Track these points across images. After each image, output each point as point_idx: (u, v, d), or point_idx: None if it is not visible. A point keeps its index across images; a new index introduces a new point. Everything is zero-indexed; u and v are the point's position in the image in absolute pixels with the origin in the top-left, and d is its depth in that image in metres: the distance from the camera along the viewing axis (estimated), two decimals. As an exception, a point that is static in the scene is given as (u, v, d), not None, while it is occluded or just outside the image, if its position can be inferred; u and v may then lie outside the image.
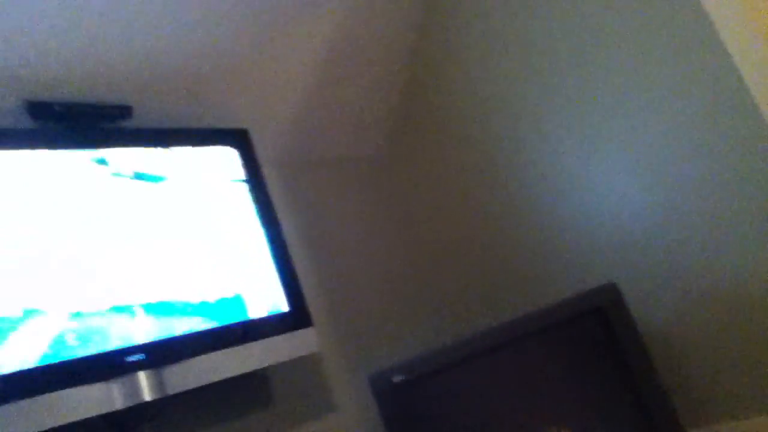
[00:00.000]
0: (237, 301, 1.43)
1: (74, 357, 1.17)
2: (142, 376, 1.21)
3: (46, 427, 1.09)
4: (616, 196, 1.72)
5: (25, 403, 1.08)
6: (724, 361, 1.60)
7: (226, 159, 1.58)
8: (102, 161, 1.38)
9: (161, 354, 1.26)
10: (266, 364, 1.41)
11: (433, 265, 2.05)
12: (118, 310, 1.25)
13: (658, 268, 1.68)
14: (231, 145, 1.61)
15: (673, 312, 1.68)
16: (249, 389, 1.50)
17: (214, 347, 1.33)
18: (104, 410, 1.15)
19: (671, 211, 1.65)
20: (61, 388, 1.13)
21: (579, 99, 1.72)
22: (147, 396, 1.20)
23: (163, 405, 1.32)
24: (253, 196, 1.59)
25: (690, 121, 1.57)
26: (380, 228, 2.02)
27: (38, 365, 1.13)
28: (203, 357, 1.30)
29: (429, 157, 2.07)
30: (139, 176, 1.41)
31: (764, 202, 1.52)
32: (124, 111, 1.47)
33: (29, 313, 1.15)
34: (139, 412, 1.27)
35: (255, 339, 1.40)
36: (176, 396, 1.26)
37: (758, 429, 1.56)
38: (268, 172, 1.75)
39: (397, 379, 1.44)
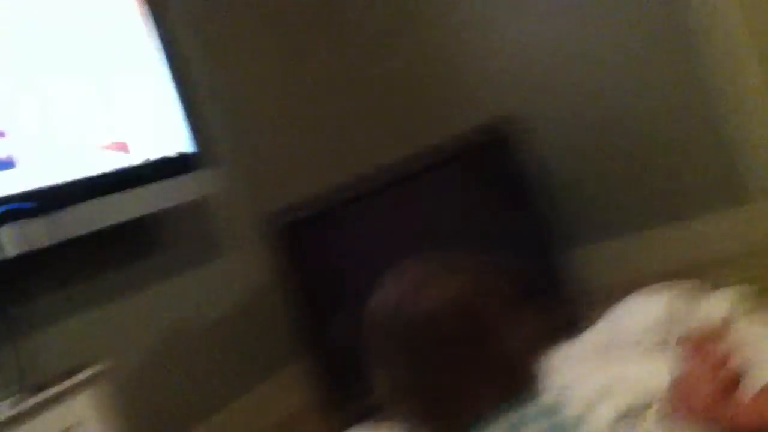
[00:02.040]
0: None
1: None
2: (32, 224, 1.11)
3: None
4: (527, 29, 1.69)
5: None
6: (606, 184, 1.68)
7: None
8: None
9: (50, 201, 1.16)
10: (153, 210, 1.34)
11: (334, 100, 1.96)
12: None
13: (554, 97, 1.70)
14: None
15: (567, 139, 1.71)
16: (134, 236, 1.43)
17: (103, 193, 1.24)
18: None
19: (567, 41, 1.64)
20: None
21: None
22: (11, 251, 1.10)
23: (54, 253, 1.22)
24: (157, 30, 1.42)
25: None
26: (290, 68, 1.89)
27: None
28: (88, 203, 1.21)
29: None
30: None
31: (655, 38, 1.54)
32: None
33: None
34: (30, 260, 1.17)
35: (140, 184, 1.31)
36: (66, 244, 1.17)
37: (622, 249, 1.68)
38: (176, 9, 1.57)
39: (290, 216, 1.39)
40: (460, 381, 0.61)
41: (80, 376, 1.02)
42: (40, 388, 0.99)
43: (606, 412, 0.71)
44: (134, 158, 1.33)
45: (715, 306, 0.85)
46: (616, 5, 1.59)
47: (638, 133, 1.66)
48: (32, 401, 0.96)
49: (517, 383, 0.61)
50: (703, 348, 0.63)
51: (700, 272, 1.09)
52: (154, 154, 1.37)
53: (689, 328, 0.79)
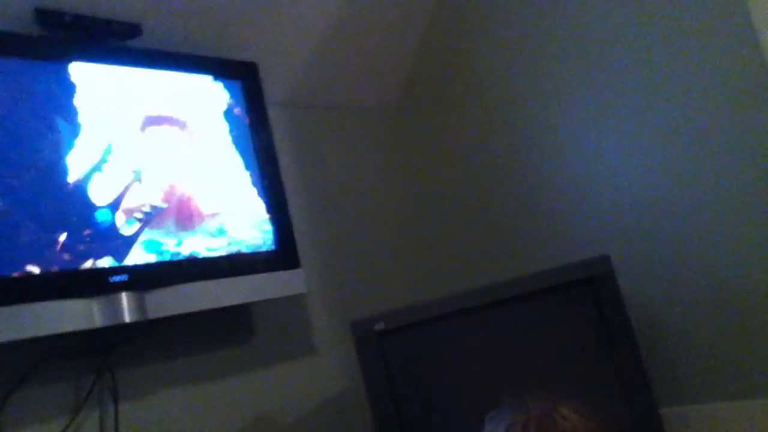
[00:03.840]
0: (224, 235, 1.42)
1: (60, 269, 1.17)
2: (125, 297, 1.21)
3: (25, 336, 1.09)
4: (618, 171, 1.70)
5: (4, 311, 1.08)
6: (707, 343, 1.60)
7: (232, 91, 1.56)
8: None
9: (146, 277, 1.26)
10: (250, 300, 1.41)
11: (431, 220, 2.04)
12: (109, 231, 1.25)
13: (652, 245, 1.67)
14: (238, 78, 1.57)
15: (662, 289, 1.67)
16: (230, 323, 1.51)
17: (199, 277, 1.33)
18: (84, 326, 1.16)
19: (670, 189, 1.63)
20: (44, 300, 1.13)
21: (591, 70, 1.69)
22: (127, 317, 1.20)
23: (143, 330, 1.31)
24: (254, 131, 1.56)
25: (695, 101, 1.53)
26: (383, 180, 2.01)
27: (24, 273, 1.12)
28: (188, 285, 1.30)
29: (440, 114, 2.03)
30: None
31: (762, 187, 1.50)
32: (134, 29, 1.44)
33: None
34: (118, 333, 1.27)
35: (241, 274, 1.40)
36: (157, 321, 1.26)
37: (729, 415, 1.56)
38: (273, 110, 1.72)
39: (378, 326, 1.44)
40: None
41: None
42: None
43: None
44: (235, 248, 1.42)
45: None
46: (727, 150, 1.56)
47: (753, 287, 1.56)
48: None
49: None
50: None
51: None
52: (253, 248, 1.45)
53: None
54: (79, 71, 1.31)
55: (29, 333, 1.10)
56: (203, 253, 1.37)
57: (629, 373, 1.46)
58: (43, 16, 1.32)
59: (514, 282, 1.52)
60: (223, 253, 1.40)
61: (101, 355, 1.27)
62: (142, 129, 1.37)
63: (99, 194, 1.26)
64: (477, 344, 1.52)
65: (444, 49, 1.99)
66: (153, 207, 1.32)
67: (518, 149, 1.86)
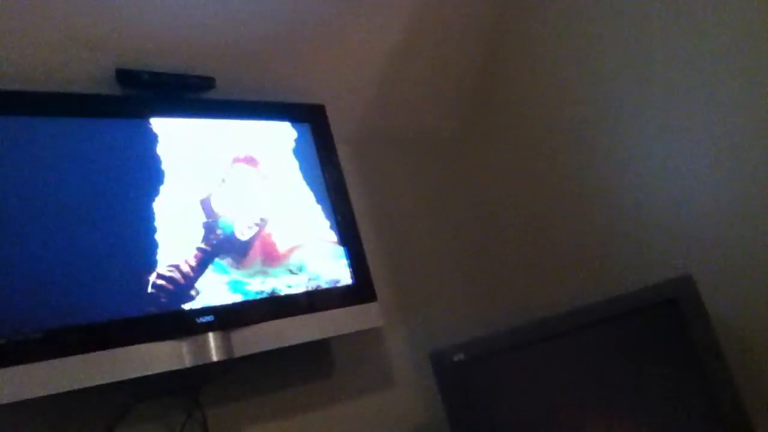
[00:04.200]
0: (304, 272, 1.46)
1: (148, 313, 1.23)
2: (211, 337, 1.26)
3: (120, 378, 1.15)
4: (696, 187, 1.65)
5: (101, 354, 1.14)
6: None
7: (301, 132, 1.61)
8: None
9: (230, 317, 1.31)
10: (330, 335, 1.44)
11: (503, 248, 2.03)
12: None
13: (735, 263, 1.61)
14: (307, 121, 1.63)
15: (749, 308, 1.60)
16: (311, 358, 1.54)
17: (281, 314, 1.37)
18: (174, 367, 1.21)
19: (751, 204, 1.57)
20: (137, 343, 1.19)
21: (664, 85, 1.66)
22: (214, 356, 1.25)
23: (229, 367, 1.37)
24: (325, 171, 1.61)
25: (765, 108, 1.49)
26: (451, 209, 2.02)
27: (114, 318, 1.19)
28: (270, 323, 1.34)
29: (503, 139, 2.04)
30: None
31: None
32: (208, 82, 1.52)
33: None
34: (205, 372, 1.32)
35: (320, 309, 1.43)
36: (241, 359, 1.30)
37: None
38: (340, 148, 1.77)
39: (457, 357, 1.44)
40: None
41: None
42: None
43: None
44: (314, 283, 1.46)
45: None
46: None
47: None
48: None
49: None
50: None
51: None
52: (331, 282, 1.49)
53: None
54: (159, 125, 1.39)
55: (124, 375, 1.15)
56: (284, 290, 1.41)
57: (722, 398, 1.40)
58: (123, 76, 1.41)
59: (593, 307, 1.50)
60: (302, 289, 1.44)
61: (191, 393, 1.32)
62: (225, 174, 1.44)
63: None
64: (559, 372, 1.50)
65: (504, 75, 2.01)
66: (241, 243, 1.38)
67: (585, 170, 1.84)
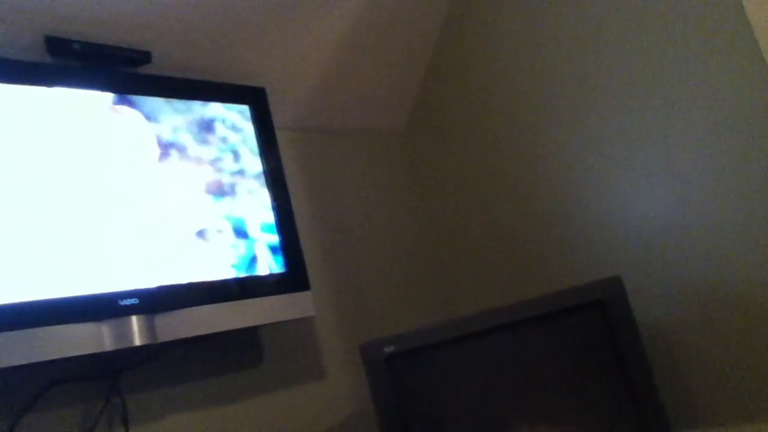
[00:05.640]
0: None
1: (69, 295, 1.17)
2: (134, 320, 1.21)
3: (35, 360, 1.09)
4: (629, 193, 1.70)
5: (15, 335, 1.09)
6: (722, 364, 1.58)
7: (240, 117, 1.57)
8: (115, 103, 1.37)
9: (156, 300, 1.26)
10: (259, 323, 1.41)
11: (440, 243, 2.04)
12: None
13: (662, 266, 1.66)
14: (246, 103, 1.59)
15: (674, 311, 1.65)
16: (239, 346, 1.51)
17: (209, 300, 1.33)
18: (94, 350, 1.16)
19: (680, 211, 1.63)
20: (54, 324, 1.13)
21: (604, 93, 1.69)
22: (137, 340, 1.20)
23: (152, 353, 1.32)
24: (263, 154, 1.58)
25: (708, 126, 1.53)
26: (392, 202, 2.01)
27: (33, 300, 1.13)
28: (198, 308, 1.30)
29: (448, 135, 2.05)
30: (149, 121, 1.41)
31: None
32: (143, 56, 1.47)
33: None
34: (127, 357, 1.27)
35: (250, 296, 1.40)
36: (165, 344, 1.26)
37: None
38: (280, 134, 1.74)
39: (388, 349, 1.43)
40: None
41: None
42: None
43: None
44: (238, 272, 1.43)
45: None
46: (742, 174, 1.56)
47: (757, 311, 1.57)
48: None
49: None
50: None
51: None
52: (260, 271, 1.46)
53: None
54: (86, 98, 1.33)
55: (40, 356, 1.10)
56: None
57: (642, 396, 1.44)
58: (52, 44, 1.34)
59: (523, 305, 1.52)
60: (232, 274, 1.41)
61: (111, 379, 1.27)
62: (159, 159, 1.39)
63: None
64: (486, 368, 1.51)
65: (452, 71, 2.01)
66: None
67: (528, 170, 1.87)
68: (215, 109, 1.53)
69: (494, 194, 1.94)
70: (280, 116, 1.77)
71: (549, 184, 1.83)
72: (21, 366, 1.09)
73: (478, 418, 1.47)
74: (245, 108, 1.58)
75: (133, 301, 1.23)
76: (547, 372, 1.53)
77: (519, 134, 1.88)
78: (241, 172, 1.52)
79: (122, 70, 1.44)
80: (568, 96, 1.75)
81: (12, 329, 1.08)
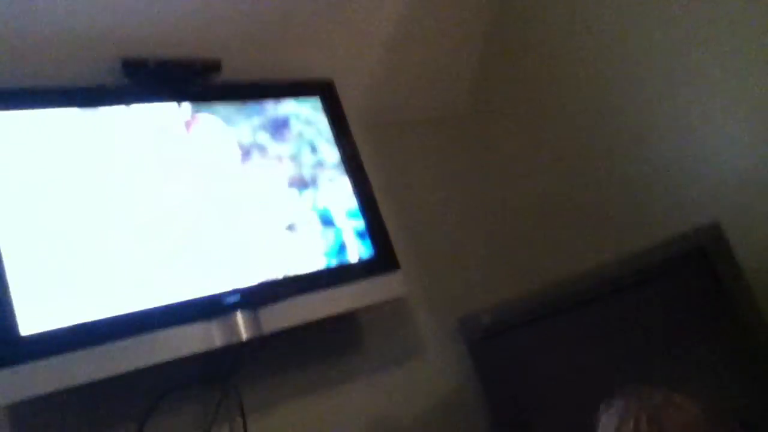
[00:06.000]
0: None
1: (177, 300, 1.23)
2: (239, 316, 1.26)
3: (154, 362, 1.16)
4: (722, 133, 1.62)
5: (134, 341, 1.15)
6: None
7: (312, 111, 1.60)
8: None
9: (257, 296, 1.31)
10: (354, 307, 1.44)
11: (524, 210, 2.01)
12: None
13: (764, 208, 1.58)
14: (316, 95, 1.62)
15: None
16: (339, 332, 1.54)
17: (306, 290, 1.37)
18: (206, 347, 1.22)
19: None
20: (167, 327, 1.19)
21: (688, 33, 1.61)
22: (244, 335, 1.25)
23: (258, 347, 1.36)
24: (338, 145, 1.60)
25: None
26: (467, 181, 2.00)
27: (143, 309, 1.19)
28: (295, 298, 1.34)
29: (515, 110, 2.01)
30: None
31: None
32: (214, 65, 1.51)
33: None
34: (235, 353, 1.32)
35: (344, 282, 1.43)
36: (270, 338, 1.31)
37: None
38: (351, 120, 1.75)
39: (485, 321, 1.43)
40: None
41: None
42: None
43: None
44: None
45: None
46: None
47: None
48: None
49: None
50: None
51: None
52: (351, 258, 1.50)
53: None
54: (165, 112, 1.39)
55: (158, 358, 1.16)
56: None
57: (755, 348, 1.37)
58: (129, 65, 1.40)
59: (618, 264, 1.47)
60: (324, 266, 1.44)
61: (226, 375, 1.33)
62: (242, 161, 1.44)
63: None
64: (587, 332, 1.48)
65: (510, 47, 1.97)
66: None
67: (606, 123, 1.81)
68: (287, 106, 1.56)
69: (573, 154, 1.90)
70: (346, 108, 1.78)
71: (632, 135, 1.77)
72: (140, 372, 1.15)
73: (581, 384, 1.44)
74: (316, 100, 1.61)
75: (236, 298, 1.28)
76: (649, 332, 1.48)
77: (588, 92, 1.82)
78: (320, 164, 1.55)
79: (196, 80, 1.49)
80: (646, 43, 1.68)
81: (130, 336, 1.15)
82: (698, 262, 1.42)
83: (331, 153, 1.58)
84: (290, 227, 1.43)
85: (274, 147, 1.49)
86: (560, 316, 1.48)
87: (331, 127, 1.60)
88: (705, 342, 1.41)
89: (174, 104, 1.40)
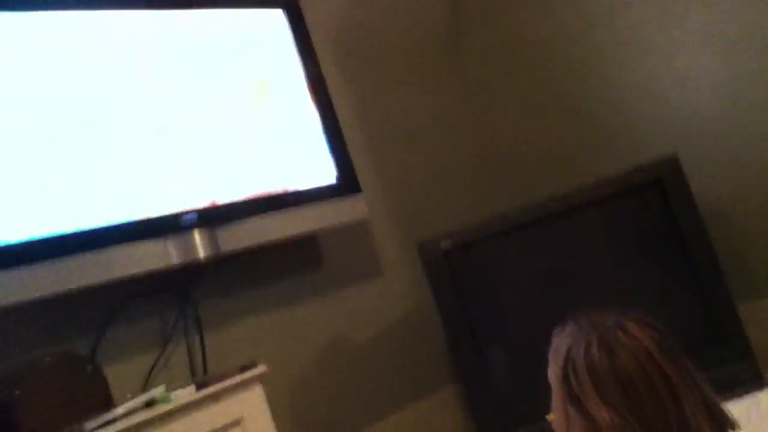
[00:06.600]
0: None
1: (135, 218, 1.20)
2: (197, 235, 1.24)
3: (109, 278, 1.14)
4: (687, 67, 1.62)
5: (89, 256, 1.13)
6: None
7: (276, 23, 1.53)
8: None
9: (215, 215, 1.29)
10: (315, 228, 1.43)
11: (488, 137, 2.00)
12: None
13: (721, 143, 1.61)
14: (280, 6, 1.54)
15: (732, 186, 1.61)
16: (299, 253, 1.54)
17: (266, 211, 1.35)
18: (162, 265, 1.20)
19: (741, 85, 1.55)
20: (121, 243, 1.17)
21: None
22: (201, 253, 1.24)
23: (218, 266, 1.35)
24: (303, 66, 1.54)
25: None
26: (440, 99, 1.97)
27: (101, 225, 1.16)
28: (255, 218, 1.33)
29: (497, 29, 1.96)
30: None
31: None
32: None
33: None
34: (192, 272, 1.31)
35: (305, 203, 1.41)
36: (230, 257, 1.30)
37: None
38: (319, 38, 1.69)
39: (445, 244, 1.45)
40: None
41: (246, 375, 1.11)
42: (211, 381, 1.09)
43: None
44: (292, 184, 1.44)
45: None
46: None
47: None
48: (204, 392, 1.06)
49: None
50: None
51: None
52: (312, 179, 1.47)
53: None
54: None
55: (113, 274, 1.15)
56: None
57: (704, 271, 1.43)
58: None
59: (578, 190, 1.49)
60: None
61: (182, 290, 1.32)
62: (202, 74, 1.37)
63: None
64: (544, 257, 1.51)
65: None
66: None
67: (575, 53, 1.80)
68: (251, 17, 1.49)
69: (543, 84, 1.88)
70: (314, 20, 1.71)
71: (598, 65, 1.76)
72: (97, 286, 1.13)
73: (536, 307, 1.49)
74: (279, 13, 1.53)
75: (193, 217, 1.25)
76: (606, 256, 1.52)
77: (559, 30, 1.80)
78: (283, 81, 1.50)
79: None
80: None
81: (85, 251, 1.13)
82: (654, 192, 1.45)
83: (294, 71, 1.53)
84: (252, 147, 1.40)
85: (235, 62, 1.43)
86: (517, 240, 1.50)
87: (295, 41, 1.54)
88: (658, 264, 1.46)
89: (133, 10, 1.32)
